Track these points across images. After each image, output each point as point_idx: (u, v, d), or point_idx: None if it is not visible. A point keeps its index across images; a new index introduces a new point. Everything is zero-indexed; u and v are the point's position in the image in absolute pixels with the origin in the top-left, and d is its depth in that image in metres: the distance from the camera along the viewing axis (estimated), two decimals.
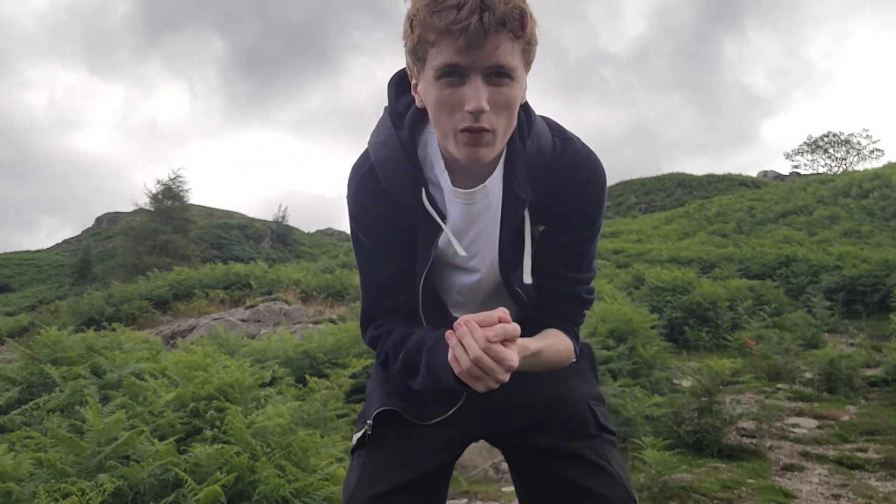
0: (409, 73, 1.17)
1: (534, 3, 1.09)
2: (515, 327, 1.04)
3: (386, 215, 1.22)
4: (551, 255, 1.26)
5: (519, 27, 1.04)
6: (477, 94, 1.04)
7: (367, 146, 1.25)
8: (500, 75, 1.05)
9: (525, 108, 1.18)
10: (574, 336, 1.32)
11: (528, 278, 1.24)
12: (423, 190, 1.18)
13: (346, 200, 1.26)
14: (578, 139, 1.25)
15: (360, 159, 1.25)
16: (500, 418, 1.34)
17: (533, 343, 1.18)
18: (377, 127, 1.24)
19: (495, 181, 1.19)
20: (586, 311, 1.35)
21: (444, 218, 1.20)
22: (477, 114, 1.05)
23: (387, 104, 1.24)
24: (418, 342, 1.20)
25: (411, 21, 1.06)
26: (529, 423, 1.34)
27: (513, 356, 1.03)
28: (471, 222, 1.22)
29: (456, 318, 1.29)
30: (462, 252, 1.20)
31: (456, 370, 1.05)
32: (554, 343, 1.25)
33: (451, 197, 1.20)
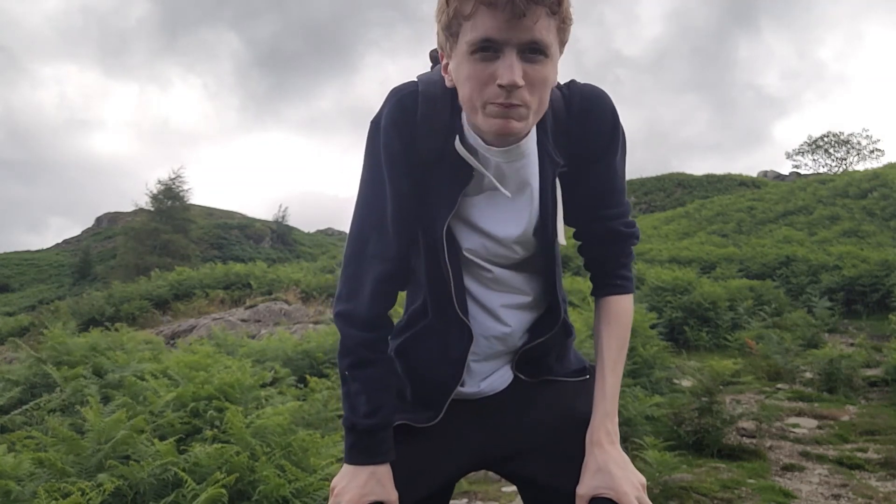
0: (440, 52, 1.13)
1: None
2: None
3: (410, 144, 1.16)
4: (579, 200, 1.23)
5: (556, 2, 1.02)
6: (511, 69, 1.01)
7: (415, 78, 1.21)
8: (535, 52, 1.03)
9: None
10: (627, 280, 1.27)
11: (562, 240, 1.20)
12: (458, 137, 1.14)
13: (370, 122, 1.19)
14: (575, 80, 1.23)
15: (405, 84, 1.19)
16: (503, 441, 1.26)
17: (611, 386, 1.20)
18: (432, 69, 1.22)
19: (529, 143, 1.16)
20: (633, 246, 1.29)
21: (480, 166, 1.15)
22: (510, 89, 1.02)
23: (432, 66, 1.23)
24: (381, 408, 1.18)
25: None
26: (535, 445, 1.24)
27: None
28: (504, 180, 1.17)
29: (463, 288, 1.22)
30: (508, 193, 1.16)
31: None
32: (613, 342, 1.23)
33: (486, 154, 1.14)
